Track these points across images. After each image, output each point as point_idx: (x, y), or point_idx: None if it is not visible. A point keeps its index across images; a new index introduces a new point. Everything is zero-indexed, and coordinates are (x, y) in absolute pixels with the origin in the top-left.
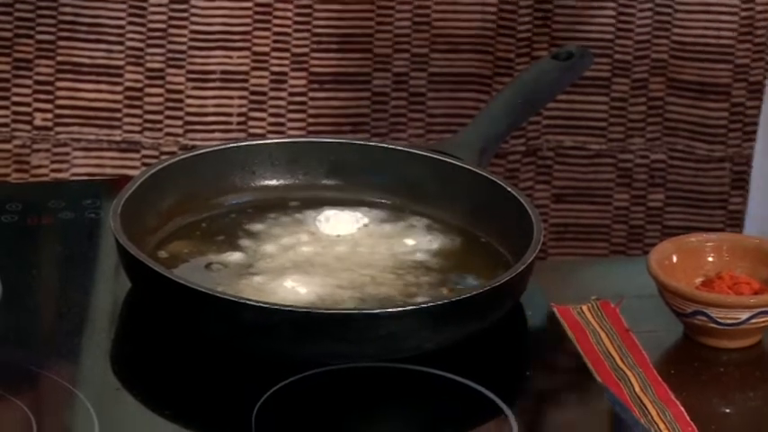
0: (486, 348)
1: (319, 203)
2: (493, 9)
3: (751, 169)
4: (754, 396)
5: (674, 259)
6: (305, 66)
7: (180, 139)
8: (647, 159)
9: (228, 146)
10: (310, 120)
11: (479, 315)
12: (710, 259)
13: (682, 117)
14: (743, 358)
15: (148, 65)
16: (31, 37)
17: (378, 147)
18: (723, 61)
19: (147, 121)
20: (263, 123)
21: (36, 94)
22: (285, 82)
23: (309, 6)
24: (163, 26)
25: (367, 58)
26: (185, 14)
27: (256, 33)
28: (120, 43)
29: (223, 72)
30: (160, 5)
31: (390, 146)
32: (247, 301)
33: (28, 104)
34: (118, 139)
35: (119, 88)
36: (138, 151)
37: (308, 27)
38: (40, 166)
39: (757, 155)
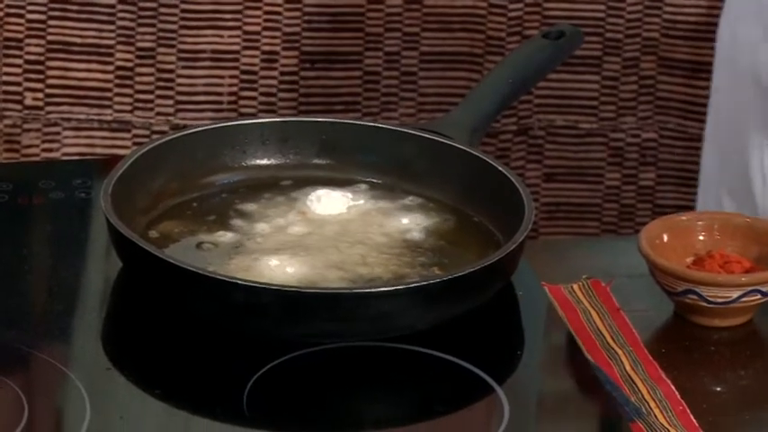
0: (478, 327)
1: (311, 183)
2: None
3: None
4: (745, 374)
5: (665, 238)
6: (296, 45)
7: (171, 118)
8: (639, 138)
9: (219, 125)
10: (302, 99)
11: (470, 294)
12: (701, 238)
13: (673, 96)
14: (733, 337)
15: (139, 44)
16: (21, 16)
17: (369, 126)
18: (714, 39)
19: (137, 100)
20: (254, 103)
21: (26, 74)
22: (276, 61)
23: None
24: (153, 5)
25: (358, 37)
26: None
27: (247, 12)
28: (111, 23)
29: (214, 51)
30: None
31: (382, 125)
32: (238, 281)
33: (18, 84)
34: (109, 118)
35: (109, 68)
36: (128, 131)
37: (299, 6)
38: (30, 146)
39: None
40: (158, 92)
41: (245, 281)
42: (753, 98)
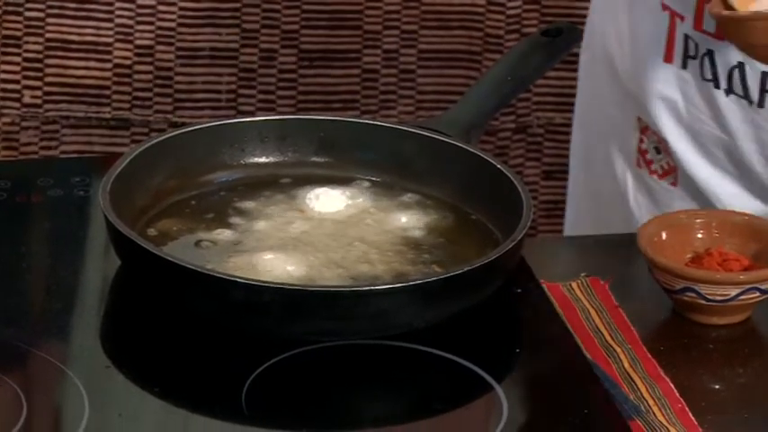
0: (476, 325)
1: (309, 181)
2: None
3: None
4: (743, 372)
5: (664, 236)
6: (294, 43)
7: (169, 116)
8: None
9: (218, 123)
10: (300, 97)
11: (469, 292)
12: (700, 236)
13: None
14: (732, 334)
15: (137, 42)
16: (19, 14)
17: (368, 124)
18: None
19: (136, 98)
20: (252, 100)
21: (25, 72)
22: (275, 59)
23: None
24: (152, 2)
25: (357, 35)
26: None
27: (245, 10)
28: (109, 20)
29: (212, 49)
30: None
31: (380, 123)
32: (237, 279)
33: (17, 82)
34: (107, 116)
35: (108, 65)
36: (127, 128)
37: (298, 3)
38: (28, 144)
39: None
40: (157, 89)
41: (244, 279)
42: (607, 86)
